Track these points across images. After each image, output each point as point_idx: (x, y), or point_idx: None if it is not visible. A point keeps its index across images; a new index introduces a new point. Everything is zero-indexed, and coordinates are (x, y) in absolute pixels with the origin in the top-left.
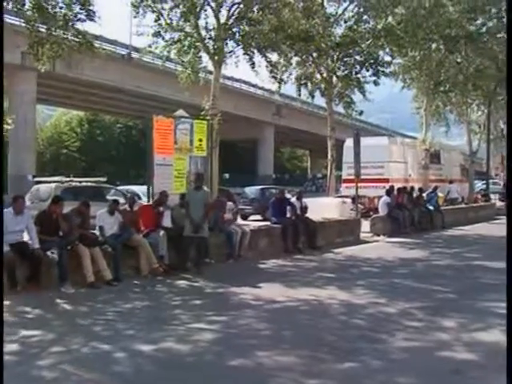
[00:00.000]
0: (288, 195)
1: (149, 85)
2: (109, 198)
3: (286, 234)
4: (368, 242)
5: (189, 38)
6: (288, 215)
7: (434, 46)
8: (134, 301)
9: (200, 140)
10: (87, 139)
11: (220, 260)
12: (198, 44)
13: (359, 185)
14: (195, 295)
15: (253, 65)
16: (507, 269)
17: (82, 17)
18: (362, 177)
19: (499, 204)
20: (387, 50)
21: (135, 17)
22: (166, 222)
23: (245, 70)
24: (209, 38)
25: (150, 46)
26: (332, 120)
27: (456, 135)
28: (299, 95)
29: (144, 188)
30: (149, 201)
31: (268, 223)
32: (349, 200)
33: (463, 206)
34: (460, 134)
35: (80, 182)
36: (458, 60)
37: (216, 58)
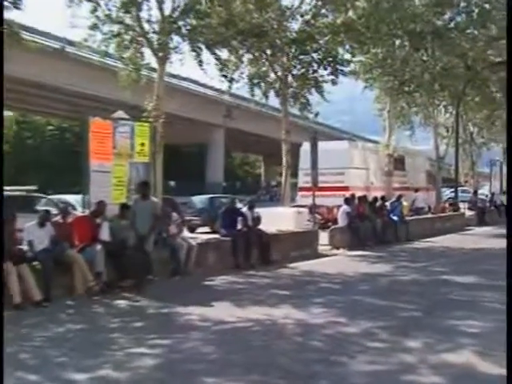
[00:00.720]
0: (239, 205)
1: (85, 83)
2: (39, 208)
3: (236, 248)
4: (327, 256)
5: (130, 32)
6: (239, 227)
7: (397, 42)
8: (67, 324)
9: (142, 144)
10: (16, 142)
11: (164, 277)
12: (139, 38)
13: (317, 193)
14: (136, 316)
15: (200, 62)
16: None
17: (7, 4)
18: (320, 184)
19: (469, 214)
20: (347, 46)
21: (69, 6)
22: (104, 235)
23: (192, 67)
24: (152, 32)
25: (85, 40)
26: (287, 122)
27: (422, 139)
28: (252, 95)
29: (79, 197)
30: (84, 212)
31: (217, 236)
32: (305, 210)
33: (430, 215)
34: (426, 137)
35: (7, 190)
36: (424, 58)
37: (160, 54)
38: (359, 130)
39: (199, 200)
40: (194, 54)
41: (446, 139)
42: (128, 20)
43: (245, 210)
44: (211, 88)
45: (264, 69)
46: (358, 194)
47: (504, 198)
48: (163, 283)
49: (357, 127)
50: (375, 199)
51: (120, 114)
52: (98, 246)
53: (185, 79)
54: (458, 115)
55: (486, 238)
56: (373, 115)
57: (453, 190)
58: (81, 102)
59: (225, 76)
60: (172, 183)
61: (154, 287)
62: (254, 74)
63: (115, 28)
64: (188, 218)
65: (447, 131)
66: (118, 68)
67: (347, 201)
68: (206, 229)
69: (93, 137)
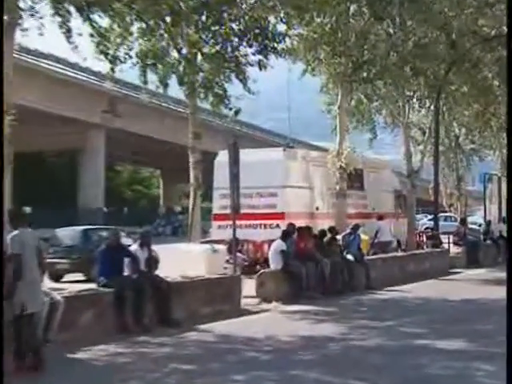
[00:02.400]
0: (127, 240)
1: None
2: None
3: (122, 303)
4: (253, 313)
5: None
6: (126, 273)
7: (353, 8)
8: None
9: None
10: None
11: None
12: None
13: (239, 223)
14: None
15: (68, 32)
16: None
17: None
18: (244, 210)
19: (455, 250)
20: (281, 14)
21: None
22: None
23: (58, 39)
24: None
25: None
26: (196, 122)
27: (388, 146)
28: (144, 83)
29: None
30: None
31: (94, 286)
32: (223, 247)
33: (400, 253)
34: (394, 144)
35: None
36: (391, 30)
37: (5, 17)
38: (300, 132)
39: (68, 234)
40: (58, 19)
41: (422, 145)
42: None
43: (135, 247)
44: (87, 71)
45: (162, 44)
46: (298, 223)
47: (504, 228)
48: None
49: (296, 129)
50: (322, 232)
51: None
52: None
53: (47, 57)
54: (438, 112)
55: (478, 285)
56: (318, 112)
57: (432, 217)
58: None
59: (105, 53)
60: (27, 209)
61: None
62: (146, 52)
63: None
64: (51, 260)
65: (423, 134)
66: None
67: (283, 234)
68: (78, 276)
69: None
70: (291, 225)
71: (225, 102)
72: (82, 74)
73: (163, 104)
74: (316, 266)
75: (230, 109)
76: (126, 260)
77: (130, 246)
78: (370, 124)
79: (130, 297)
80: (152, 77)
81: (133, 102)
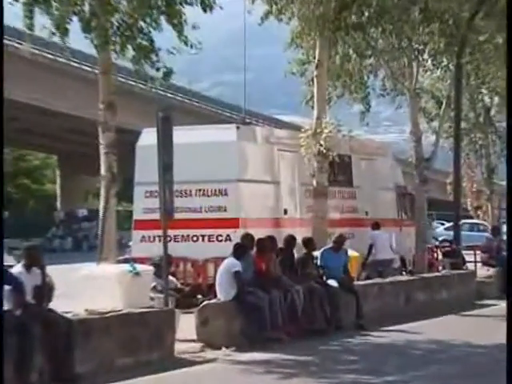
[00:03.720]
0: (7, 259)
1: None
2: None
3: None
4: (193, 364)
5: None
6: (6, 307)
7: None
8: None
9: None
10: None
11: None
12: None
13: (172, 233)
14: None
15: None
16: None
17: None
18: (179, 216)
19: (484, 273)
20: None
21: None
22: None
23: None
24: None
25: None
26: (110, 87)
27: (388, 123)
28: (29, 28)
29: None
30: None
31: None
32: (148, 268)
33: (404, 277)
34: (396, 120)
35: None
36: None
37: None
38: (261, 103)
39: None
40: None
41: (437, 122)
42: None
43: (18, 270)
44: None
45: None
46: (258, 233)
47: None
48: None
49: (256, 98)
50: (289, 241)
51: None
52: None
53: None
54: (459, 73)
55: None
56: (287, 74)
57: (450, 225)
58: None
59: None
60: None
61: None
62: None
63: None
64: None
65: (438, 105)
66: None
67: (236, 249)
68: None
69: None
70: (247, 235)
71: (151, 57)
72: None
73: (60, 60)
74: (284, 296)
75: (158, 69)
76: (6, 288)
77: (11, 267)
78: (362, 91)
79: (10, 342)
80: (42, 19)
81: (14, 56)
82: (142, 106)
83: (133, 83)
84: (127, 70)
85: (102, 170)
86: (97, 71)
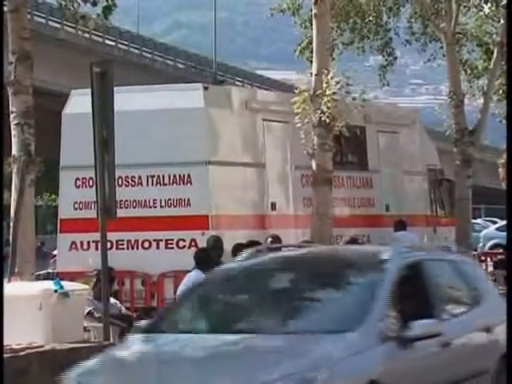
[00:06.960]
0: None
1: None
2: None
3: None
4: None
5: None
6: None
7: None
8: None
9: None
10: None
11: None
12: None
13: (114, 237)
14: None
15: None
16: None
17: None
18: (125, 213)
19: None
20: None
21: None
22: None
23: None
24: None
25: None
26: (23, 28)
27: (417, 82)
28: None
29: None
30: None
31: None
32: (80, 287)
33: None
34: (427, 75)
35: None
36: None
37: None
38: (237, 52)
39: None
40: None
41: (485, 79)
42: None
43: None
44: None
45: None
46: (237, 237)
47: None
48: None
49: (234, 48)
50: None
51: None
52: None
53: None
54: None
55: None
56: (276, 13)
57: (504, 223)
58: None
59: None
60: None
61: None
62: None
63: None
64: None
65: (487, 56)
66: None
67: (202, 259)
68: None
69: None
70: (217, 240)
71: None
72: None
73: None
74: None
75: (95, 2)
76: None
77: None
78: (380, 36)
79: None
80: None
81: None
82: (71, 58)
83: (57, 25)
84: (49, 7)
85: (14, 150)
86: (5, 8)
